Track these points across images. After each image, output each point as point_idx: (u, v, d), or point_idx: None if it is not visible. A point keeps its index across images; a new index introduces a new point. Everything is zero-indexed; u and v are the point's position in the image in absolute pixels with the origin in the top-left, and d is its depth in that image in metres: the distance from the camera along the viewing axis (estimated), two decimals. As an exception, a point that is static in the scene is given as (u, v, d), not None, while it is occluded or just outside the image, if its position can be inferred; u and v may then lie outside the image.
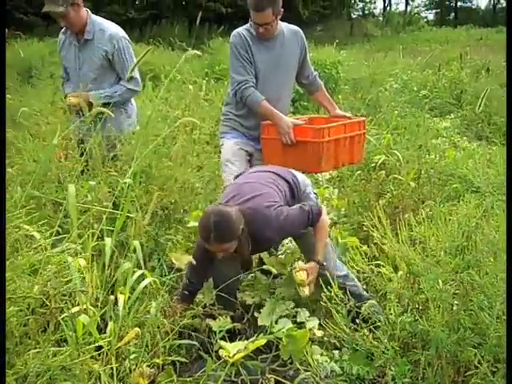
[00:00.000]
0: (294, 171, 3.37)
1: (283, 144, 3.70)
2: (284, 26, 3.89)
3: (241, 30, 3.77)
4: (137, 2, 28.99)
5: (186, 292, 3.14)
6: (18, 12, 19.45)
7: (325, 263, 3.12)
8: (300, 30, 4.00)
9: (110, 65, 4.04)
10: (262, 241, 3.02)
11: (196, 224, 4.16)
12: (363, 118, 4.20)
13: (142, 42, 14.84)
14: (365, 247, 3.55)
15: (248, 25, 3.77)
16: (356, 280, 3.34)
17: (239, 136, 3.96)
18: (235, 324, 3.03)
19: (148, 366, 2.45)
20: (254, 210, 2.92)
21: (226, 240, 2.82)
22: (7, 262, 2.07)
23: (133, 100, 4.30)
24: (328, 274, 2.90)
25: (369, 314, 2.75)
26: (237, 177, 3.45)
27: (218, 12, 25.30)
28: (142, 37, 20.16)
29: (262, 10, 3.57)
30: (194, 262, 2.91)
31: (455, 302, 2.51)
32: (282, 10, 3.65)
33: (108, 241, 2.50)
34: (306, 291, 3.07)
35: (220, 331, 2.78)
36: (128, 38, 4.14)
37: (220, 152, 4.10)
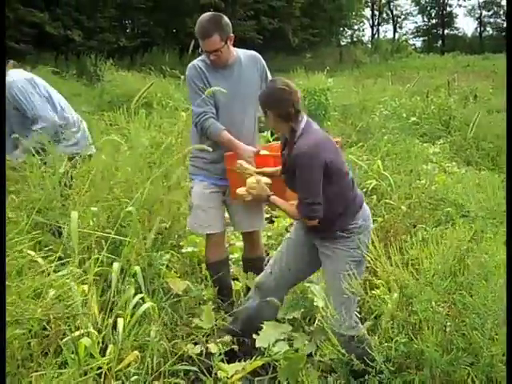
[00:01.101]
0: None
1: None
2: (241, 53, 3.79)
3: (196, 61, 3.67)
4: (128, 30, 29.25)
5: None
6: (10, 40, 19.56)
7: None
8: (257, 54, 3.87)
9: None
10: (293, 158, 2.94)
11: (191, 249, 4.26)
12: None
13: (133, 70, 14.99)
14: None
15: (204, 55, 3.66)
16: (368, 341, 2.89)
17: (208, 177, 3.78)
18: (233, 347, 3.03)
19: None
20: (309, 135, 2.96)
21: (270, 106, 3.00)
22: (12, 285, 2.12)
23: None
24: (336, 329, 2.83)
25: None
26: None
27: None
28: (133, 64, 20.36)
29: (209, 36, 3.49)
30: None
31: (448, 322, 2.57)
32: (233, 35, 3.61)
33: (116, 266, 2.54)
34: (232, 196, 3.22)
35: (219, 354, 2.82)
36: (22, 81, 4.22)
37: (190, 194, 3.89)
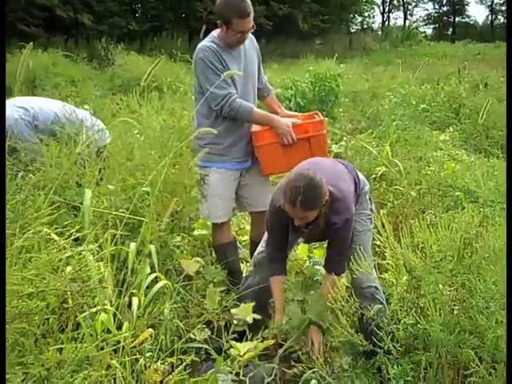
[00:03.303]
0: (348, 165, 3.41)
1: (283, 146, 3.66)
2: None
3: (208, 43, 3.63)
4: (137, 15, 29.18)
5: (274, 261, 3.23)
6: (20, 23, 19.55)
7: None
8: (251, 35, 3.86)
9: None
10: (328, 223, 3.00)
11: (202, 232, 4.31)
12: (320, 119, 3.89)
13: (143, 54, 15.00)
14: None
15: (212, 38, 3.67)
16: (382, 296, 3.18)
17: (224, 163, 3.78)
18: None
19: (161, 363, 2.56)
20: (341, 192, 2.97)
21: (310, 207, 2.80)
22: (31, 260, 2.18)
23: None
24: (358, 282, 3.02)
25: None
26: None
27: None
28: (143, 48, 20.36)
29: (250, 15, 3.50)
30: (271, 232, 3.06)
31: (455, 305, 2.62)
32: None
33: (133, 246, 2.60)
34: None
35: (232, 333, 2.87)
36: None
37: (203, 183, 3.84)
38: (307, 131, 3.70)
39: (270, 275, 3.20)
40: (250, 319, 3.06)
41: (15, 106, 4.21)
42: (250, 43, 3.83)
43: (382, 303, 3.02)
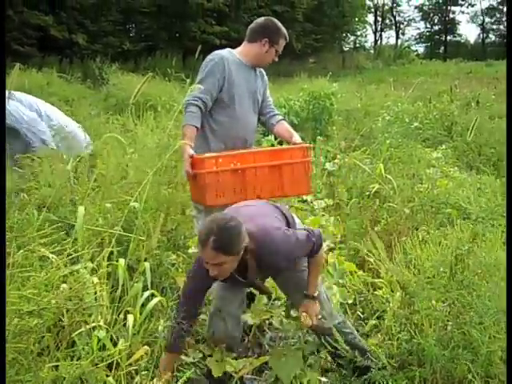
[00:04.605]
0: (282, 206, 3.13)
1: (234, 173, 3.41)
2: None
3: (226, 53, 3.72)
4: (131, 34, 29.39)
5: (177, 338, 2.72)
6: (15, 43, 19.67)
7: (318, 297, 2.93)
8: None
9: None
10: (268, 266, 2.76)
11: (197, 250, 4.32)
12: (302, 145, 3.67)
13: (137, 73, 15.08)
14: (360, 272, 3.70)
15: (229, 50, 3.80)
16: (353, 328, 3.14)
17: None
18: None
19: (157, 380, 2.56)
20: (264, 232, 2.67)
21: (224, 251, 2.48)
22: (26, 279, 2.19)
23: None
24: (324, 325, 2.91)
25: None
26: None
27: (211, 44, 25.71)
28: (137, 68, 20.47)
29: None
30: (187, 297, 2.72)
31: (448, 320, 2.64)
32: None
33: (122, 261, 2.62)
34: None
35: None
36: None
37: None
38: (278, 158, 3.46)
39: (167, 349, 2.74)
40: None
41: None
42: (265, 78, 3.97)
43: (352, 341, 2.95)
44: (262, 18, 3.85)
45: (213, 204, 3.42)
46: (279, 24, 3.78)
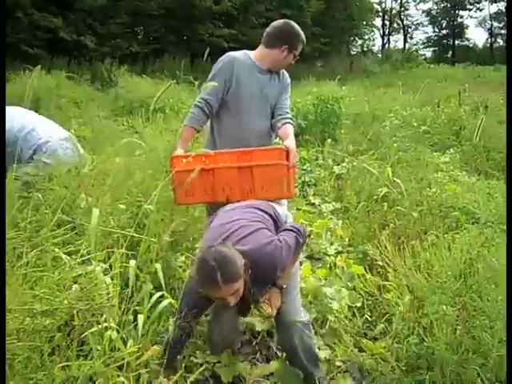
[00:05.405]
0: (271, 203, 3.15)
1: (204, 174, 3.34)
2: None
3: (239, 55, 3.70)
4: (139, 37, 29.43)
5: (173, 356, 2.78)
6: (24, 45, 19.72)
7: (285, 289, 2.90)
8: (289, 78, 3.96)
9: None
10: (266, 281, 2.77)
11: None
12: (277, 147, 3.51)
13: (145, 76, 15.13)
14: (369, 275, 3.71)
15: (245, 52, 3.76)
16: (313, 334, 3.13)
17: None
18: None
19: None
20: (258, 250, 2.65)
21: (234, 279, 2.47)
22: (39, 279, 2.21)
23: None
24: (289, 318, 2.88)
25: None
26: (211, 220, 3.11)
27: (220, 47, 25.75)
28: (145, 70, 20.53)
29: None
30: (183, 315, 2.65)
31: (458, 324, 2.64)
32: None
33: (132, 263, 2.63)
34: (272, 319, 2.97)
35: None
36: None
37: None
38: (248, 160, 3.34)
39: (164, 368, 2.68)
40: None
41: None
42: (284, 81, 3.88)
43: (308, 346, 2.96)
44: (280, 22, 3.77)
45: (182, 203, 3.49)
46: (297, 28, 3.74)
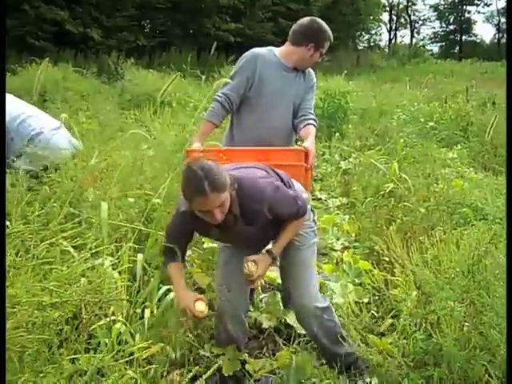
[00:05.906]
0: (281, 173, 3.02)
1: None
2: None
3: (264, 52, 3.64)
4: (146, 30, 29.42)
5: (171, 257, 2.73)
6: (30, 37, 19.76)
7: (275, 255, 2.82)
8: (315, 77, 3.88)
9: None
10: (251, 215, 2.69)
11: (212, 245, 4.34)
12: (296, 148, 3.57)
13: (151, 69, 15.13)
14: (376, 271, 3.70)
15: (271, 48, 3.70)
16: (336, 317, 3.12)
17: None
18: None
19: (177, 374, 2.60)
20: (247, 178, 2.66)
21: (221, 188, 2.44)
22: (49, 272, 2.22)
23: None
24: (307, 304, 2.91)
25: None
26: None
27: (226, 41, 25.73)
28: (152, 63, 20.53)
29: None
30: (170, 235, 2.69)
31: (466, 321, 2.64)
32: None
33: (140, 257, 2.64)
34: (252, 285, 2.85)
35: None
36: None
37: None
38: (265, 159, 3.22)
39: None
40: None
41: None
42: (310, 80, 3.79)
43: (332, 330, 3.01)
44: (307, 19, 3.69)
45: None
46: (325, 25, 3.67)
